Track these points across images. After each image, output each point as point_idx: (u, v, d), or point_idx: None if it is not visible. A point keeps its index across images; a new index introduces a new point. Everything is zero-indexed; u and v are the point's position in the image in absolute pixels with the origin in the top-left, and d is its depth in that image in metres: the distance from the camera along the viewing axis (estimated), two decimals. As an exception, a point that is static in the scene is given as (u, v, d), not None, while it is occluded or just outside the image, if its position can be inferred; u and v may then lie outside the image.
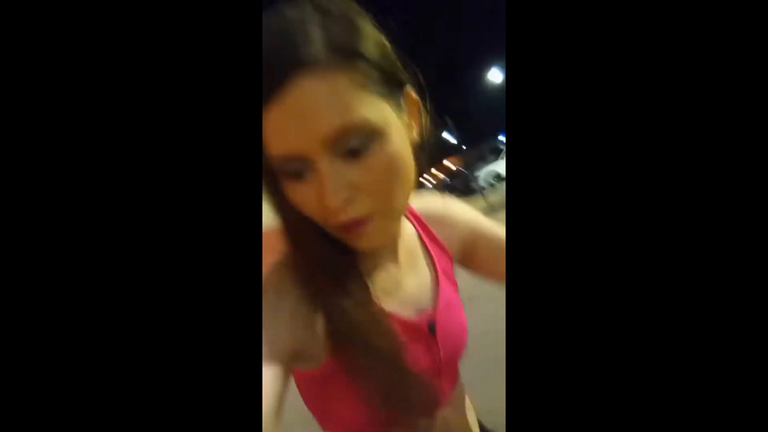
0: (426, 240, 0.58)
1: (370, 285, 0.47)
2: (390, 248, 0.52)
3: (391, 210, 0.41)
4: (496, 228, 0.61)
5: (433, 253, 0.57)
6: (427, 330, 0.52)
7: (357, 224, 0.40)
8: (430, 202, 0.62)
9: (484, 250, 0.60)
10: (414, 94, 0.44)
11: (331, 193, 0.37)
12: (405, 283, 0.53)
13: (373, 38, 0.39)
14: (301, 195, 0.39)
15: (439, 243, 0.59)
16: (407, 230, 0.56)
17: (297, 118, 0.35)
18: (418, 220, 0.59)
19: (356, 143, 0.37)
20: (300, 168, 0.38)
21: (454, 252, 0.61)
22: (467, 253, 0.61)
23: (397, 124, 0.40)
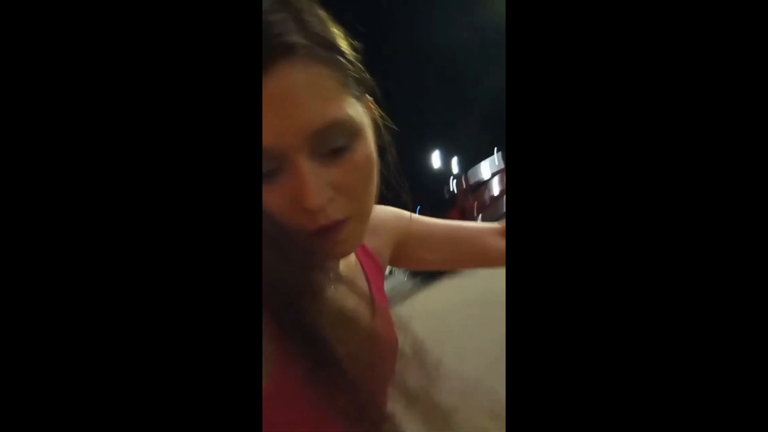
0: (359, 253, 0.55)
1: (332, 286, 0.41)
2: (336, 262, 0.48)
3: (364, 213, 0.39)
4: (421, 219, 0.63)
5: (366, 268, 0.55)
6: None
7: (335, 227, 0.37)
8: None
9: (417, 246, 0.61)
10: (373, 104, 0.42)
11: (315, 192, 0.34)
12: (346, 302, 0.48)
13: (343, 37, 0.38)
14: (272, 198, 0.34)
15: (371, 254, 0.57)
16: None
17: (280, 109, 0.32)
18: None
19: (341, 141, 0.35)
20: (273, 167, 0.34)
21: (385, 259, 0.60)
22: (400, 254, 0.61)
23: (369, 126, 0.39)
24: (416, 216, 0.63)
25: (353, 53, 0.38)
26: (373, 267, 0.57)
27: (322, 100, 0.33)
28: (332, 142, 0.35)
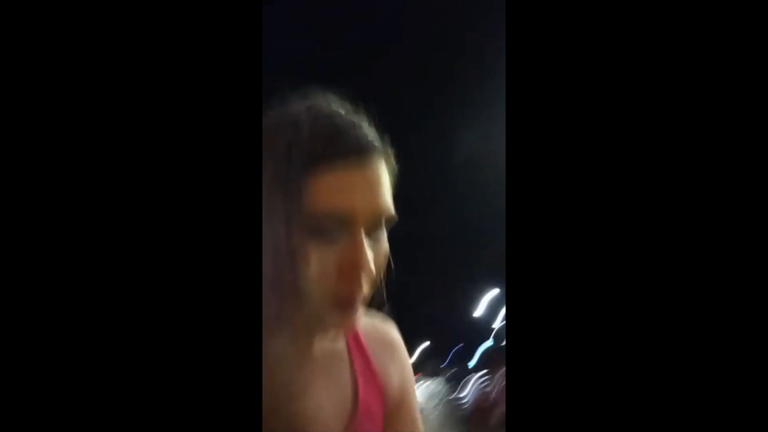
0: (357, 361, 0.49)
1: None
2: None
3: (368, 297, 0.42)
4: (414, 405, 0.54)
5: (361, 380, 0.48)
6: None
7: (355, 301, 0.40)
8: (377, 318, 0.53)
9: (405, 415, 0.52)
10: None
11: (368, 258, 0.38)
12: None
13: None
14: (324, 254, 0.38)
15: (372, 367, 0.50)
16: (334, 340, 0.47)
17: (368, 186, 0.39)
18: (355, 337, 0.50)
19: (381, 228, 0.41)
20: (335, 228, 0.38)
21: (388, 391, 0.50)
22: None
23: None
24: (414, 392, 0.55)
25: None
26: (370, 379, 0.50)
27: (388, 192, 0.41)
28: (379, 227, 0.41)
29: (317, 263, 0.38)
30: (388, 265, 0.44)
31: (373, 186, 0.39)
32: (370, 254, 0.38)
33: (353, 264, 0.38)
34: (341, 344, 0.49)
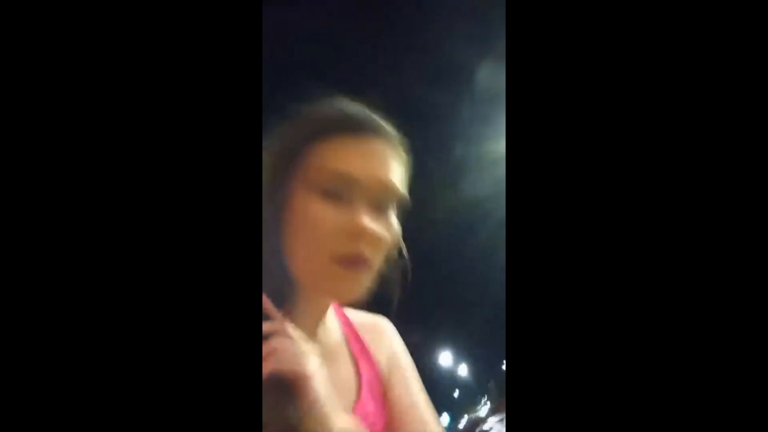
0: (353, 346, 0.53)
1: None
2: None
3: (375, 267, 0.44)
4: (408, 378, 0.55)
5: (360, 361, 0.52)
6: None
7: (358, 262, 0.42)
8: (363, 312, 0.57)
9: (397, 387, 0.53)
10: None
11: (367, 221, 0.41)
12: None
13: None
14: (327, 212, 0.41)
15: (365, 349, 0.54)
16: (332, 329, 0.51)
17: (374, 159, 0.43)
18: (348, 325, 0.55)
19: (391, 204, 0.44)
20: (342, 189, 0.41)
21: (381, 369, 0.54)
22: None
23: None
24: (409, 365, 0.57)
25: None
26: (368, 365, 0.53)
27: (395, 173, 0.44)
28: (385, 199, 0.44)
29: (322, 222, 0.41)
30: (400, 252, 0.47)
31: (379, 161, 0.43)
32: (372, 222, 0.41)
33: (354, 226, 0.40)
34: (338, 331, 0.53)
